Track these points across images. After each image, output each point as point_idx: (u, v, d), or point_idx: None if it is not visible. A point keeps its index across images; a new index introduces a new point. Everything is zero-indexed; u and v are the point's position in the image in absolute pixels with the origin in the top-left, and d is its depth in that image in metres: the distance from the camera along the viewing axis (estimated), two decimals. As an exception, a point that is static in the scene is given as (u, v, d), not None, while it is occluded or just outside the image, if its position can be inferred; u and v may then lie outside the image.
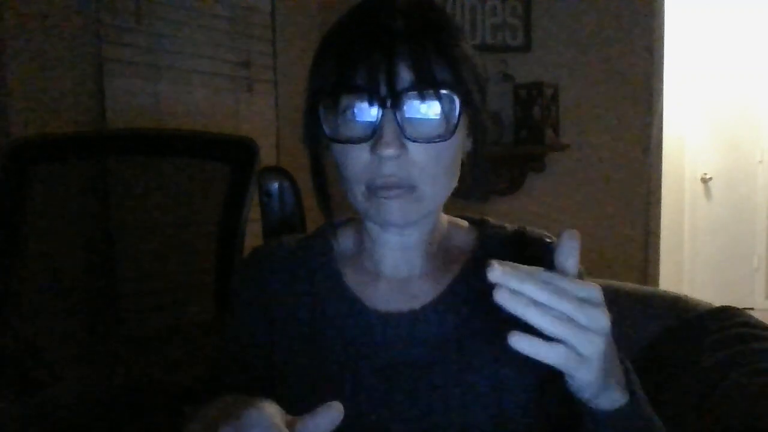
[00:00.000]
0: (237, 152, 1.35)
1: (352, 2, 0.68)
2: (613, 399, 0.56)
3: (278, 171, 1.40)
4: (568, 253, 0.52)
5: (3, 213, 1.33)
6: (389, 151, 0.61)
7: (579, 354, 0.50)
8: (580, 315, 0.49)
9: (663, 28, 3.00)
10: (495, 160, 2.77)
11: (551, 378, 0.68)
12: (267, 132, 2.39)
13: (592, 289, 0.51)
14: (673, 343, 1.00)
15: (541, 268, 0.51)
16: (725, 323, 0.97)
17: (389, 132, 0.61)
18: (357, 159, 0.63)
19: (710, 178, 4.49)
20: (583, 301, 0.50)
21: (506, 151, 2.80)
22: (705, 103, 4.43)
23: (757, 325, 0.97)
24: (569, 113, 2.85)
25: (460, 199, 0.71)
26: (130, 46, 1.86)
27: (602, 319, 0.50)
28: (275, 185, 1.35)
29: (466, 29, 2.81)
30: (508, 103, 2.81)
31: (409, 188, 0.63)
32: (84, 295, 1.46)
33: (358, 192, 0.65)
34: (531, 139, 2.78)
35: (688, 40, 4.31)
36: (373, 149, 0.62)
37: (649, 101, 2.97)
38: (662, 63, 3.01)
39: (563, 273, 0.52)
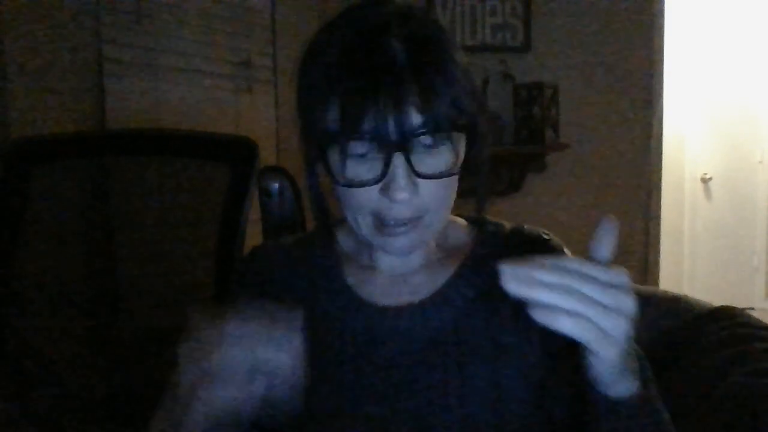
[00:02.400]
0: (237, 152, 1.35)
1: (352, 3, 0.66)
2: (628, 386, 0.56)
3: (278, 171, 1.40)
4: (601, 240, 0.53)
5: (3, 213, 1.33)
6: (403, 195, 0.60)
7: (604, 332, 0.51)
8: (605, 297, 0.50)
9: (663, 28, 3.00)
10: (495, 160, 2.77)
11: (551, 376, 0.69)
12: (267, 132, 2.39)
13: (619, 274, 0.51)
14: (673, 343, 1.00)
15: (566, 257, 0.53)
16: (725, 323, 0.97)
17: (401, 176, 0.60)
18: (365, 199, 0.62)
19: (710, 178, 4.48)
20: (609, 285, 0.51)
21: (506, 151, 2.80)
22: (705, 102, 4.43)
23: (757, 325, 0.97)
24: (569, 113, 2.85)
25: (460, 199, 0.71)
26: (130, 46, 1.86)
27: (628, 302, 0.51)
28: (275, 185, 1.35)
29: (466, 29, 2.81)
30: (508, 103, 2.81)
31: (417, 220, 0.64)
32: (84, 295, 1.45)
33: (364, 223, 0.65)
34: (531, 139, 2.78)
35: (688, 40, 4.31)
36: (385, 192, 0.61)
37: (649, 101, 2.97)
38: (662, 63, 3.01)
39: (596, 260, 0.53)
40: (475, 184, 0.71)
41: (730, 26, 4.32)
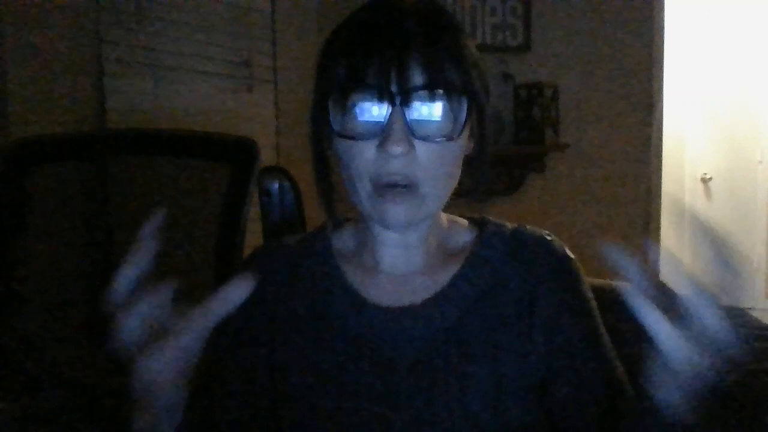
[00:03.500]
0: (237, 152, 1.35)
1: (352, 3, 0.68)
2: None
3: (278, 171, 1.40)
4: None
5: (3, 213, 1.33)
6: (397, 149, 0.61)
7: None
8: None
9: (663, 28, 3.00)
10: (495, 160, 2.77)
11: (552, 377, 0.69)
12: (267, 132, 2.38)
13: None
14: (673, 343, 1.00)
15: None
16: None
17: (398, 130, 0.61)
18: (363, 155, 0.64)
19: (710, 178, 4.48)
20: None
21: (506, 151, 2.80)
22: (705, 102, 4.43)
23: (757, 325, 0.97)
24: (569, 113, 2.85)
25: (461, 198, 0.72)
26: (130, 46, 1.86)
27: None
28: (275, 185, 1.35)
29: (466, 29, 2.81)
30: (508, 103, 2.81)
31: (412, 188, 0.64)
32: (84, 295, 1.46)
33: (363, 191, 0.65)
34: (531, 139, 2.78)
35: (688, 40, 4.31)
36: (381, 146, 0.62)
37: (649, 101, 2.97)
38: (662, 63, 3.01)
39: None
40: (476, 177, 0.71)
41: (730, 26, 4.32)
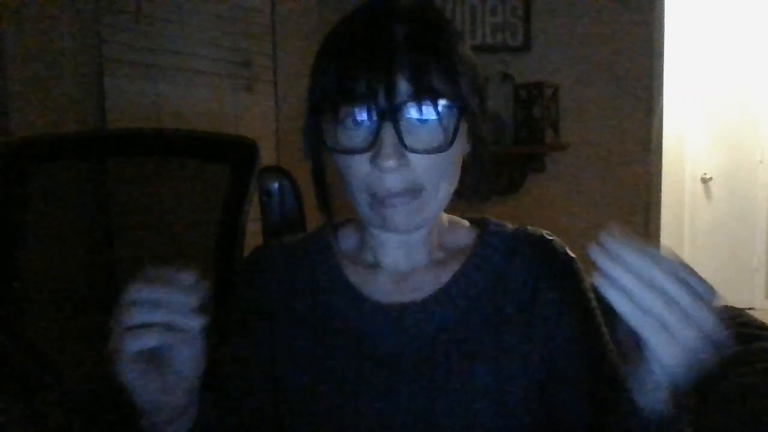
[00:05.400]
0: (237, 152, 1.35)
1: (352, 3, 0.68)
2: (662, 401, 0.55)
3: (278, 171, 1.40)
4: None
5: (3, 213, 1.33)
6: (389, 163, 0.61)
7: (673, 336, 0.49)
8: (691, 307, 0.49)
9: (663, 28, 3.01)
10: (495, 160, 2.77)
11: (553, 376, 0.69)
12: (267, 132, 2.39)
13: (712, 291, 0.50)
14: (673, 343, 1.00)
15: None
16: (725, 323, 0.97)
17: (388, 143, 0.61)
18: (358, 169, 0.64)
19: (710, 178, 4.49)
20: (700, 297, 0.49)
21: (506, 151, 2.80)
22: (705, 102, 4.43)
23: (757, 325, 0.97)
24: (569, 113, 2.85)
25: (461, 199, 0.72)
26: (130, 46, 1.86)
27: (710, 320, 0.49)
28: (275, 185, 1.35)
29: (466, 29, 2.81)
30: (508, 103, 2.81)
31: (412, 193, 0.64)
32: (84, 295, 1.46)
33: (362, 202, 0.66)
34: (531, 139, 2.78)
35: (688, 40, 4.31)
36: (373, 160, 0.62)
37: (649, 101, 2.97)
38: (662, 62, 3.01)
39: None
40: (474, 178, 0.71)
41: (730, 26, 4.32)
